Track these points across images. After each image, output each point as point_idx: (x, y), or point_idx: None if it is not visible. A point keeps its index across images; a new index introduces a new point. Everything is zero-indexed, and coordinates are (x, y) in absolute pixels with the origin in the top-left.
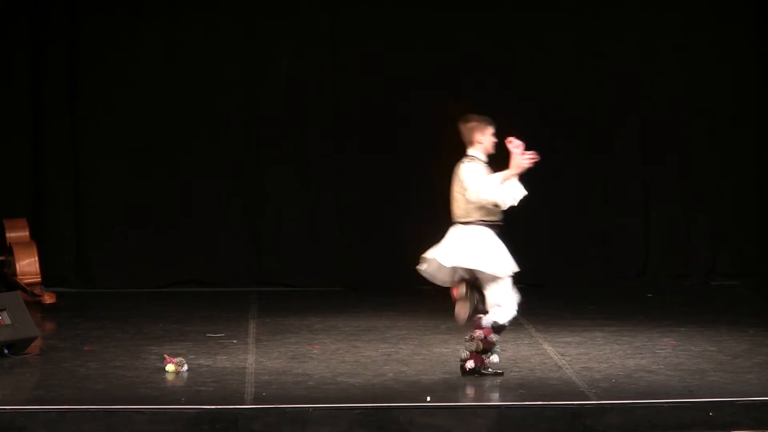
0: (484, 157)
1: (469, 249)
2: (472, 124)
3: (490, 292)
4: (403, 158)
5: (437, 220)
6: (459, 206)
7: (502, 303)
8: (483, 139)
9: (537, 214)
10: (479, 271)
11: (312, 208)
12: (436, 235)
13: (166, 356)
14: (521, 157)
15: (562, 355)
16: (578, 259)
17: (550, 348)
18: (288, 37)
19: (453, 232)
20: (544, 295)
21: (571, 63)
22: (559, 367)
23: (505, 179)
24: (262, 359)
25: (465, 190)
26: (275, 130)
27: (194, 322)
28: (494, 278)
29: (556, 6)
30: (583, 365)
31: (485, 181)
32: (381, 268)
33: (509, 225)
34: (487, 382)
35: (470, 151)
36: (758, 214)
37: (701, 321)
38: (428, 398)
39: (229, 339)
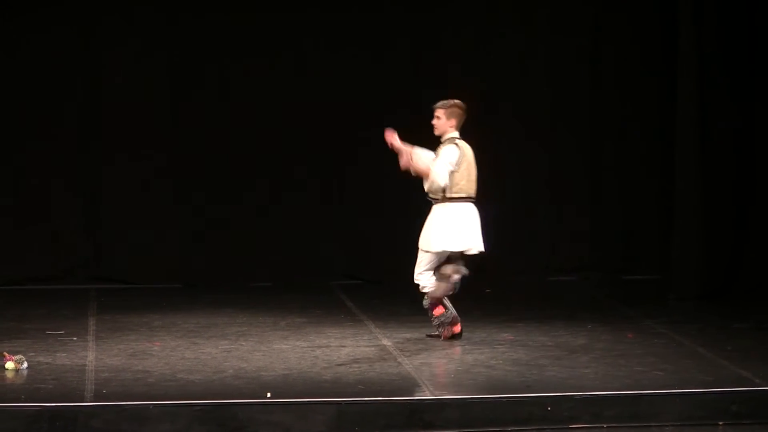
0: None
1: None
2: (462, 110)
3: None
4: (240, 157)
5: (276, 217)
6: None
7: None
8: None
9: (364, 211)
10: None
11: (150, 205)
12: (271, 232)
13: (5, 354)
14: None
15: (402, 350)
16: (413, 255)
17: (390, 343)
18: (124, 37)
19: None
20: (383, 291)
21: None
22: (399, 362)
23: None
24: (101, 356)
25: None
26: (114, 127)
27: (33, 319)
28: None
29: None
30: (422, 361)
31: None
32: (219, 265)
33: (344, 224)
34: (327, 376)
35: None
36: (592, 209)
37: (539, 316)
38: (268, 394)
39: (69, 336)
